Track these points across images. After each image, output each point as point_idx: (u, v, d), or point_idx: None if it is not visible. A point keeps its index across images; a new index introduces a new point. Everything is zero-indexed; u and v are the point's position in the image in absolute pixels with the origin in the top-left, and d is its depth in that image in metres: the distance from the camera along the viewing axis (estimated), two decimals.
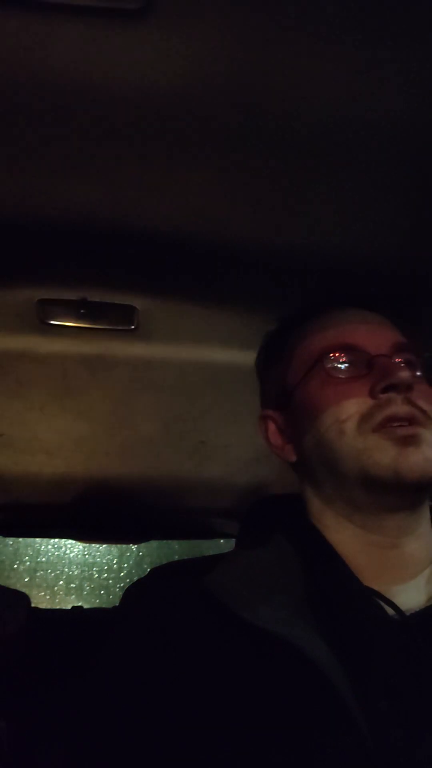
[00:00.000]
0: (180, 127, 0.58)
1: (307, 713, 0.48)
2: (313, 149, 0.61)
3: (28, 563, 2.81)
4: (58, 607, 2.65)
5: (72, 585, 2.80)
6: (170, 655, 0.52)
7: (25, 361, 1.02)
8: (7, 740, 1.21)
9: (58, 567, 2.83)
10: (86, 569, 2.84)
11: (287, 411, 0.64)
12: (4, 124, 0.58)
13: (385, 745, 0.46)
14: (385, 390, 0.56)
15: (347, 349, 0.60)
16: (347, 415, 0.57)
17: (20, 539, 2.72)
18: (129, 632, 0.57)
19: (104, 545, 2.75)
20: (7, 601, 1.53)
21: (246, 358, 0.82)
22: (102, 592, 2.81)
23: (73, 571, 2.83)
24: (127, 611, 0.60)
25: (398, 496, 0.55)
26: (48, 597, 2.76)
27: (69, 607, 1.91)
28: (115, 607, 1.60)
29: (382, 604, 0.54)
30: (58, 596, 2.78)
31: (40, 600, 2.70)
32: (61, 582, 2.80)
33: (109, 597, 2.76)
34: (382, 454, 0.54)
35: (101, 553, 2.86)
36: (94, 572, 2.84)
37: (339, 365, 0.59)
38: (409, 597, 0.55)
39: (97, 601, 2.77)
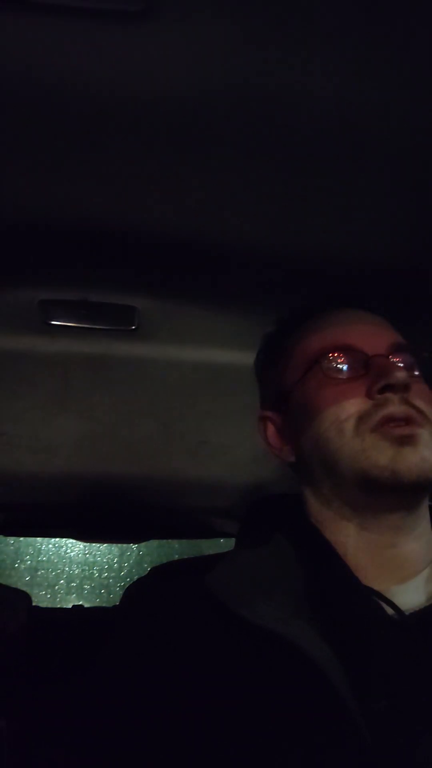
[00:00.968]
0: (180, 128, 0.58)
1: (306, 712, 0.48)
2: (313, 150, 0.61)
3: (28, 562, 2.81)
4: (58, 605, 2.66)
5: (72, 584, 2.81)
6: (170, 654, 0.52)
7: (26, 361, 1.02)
8: (7, 739, 1.21)
9: (59, 566, 2.83)
10: (87, 568, 2.85)
11: (285, 412, 0.64)
12: (5, 125, 0.58)
13: (384, 744, 0.46)
14: (383, 390, 0.56)
15: (344, 349, 0.60)
16: (345, 415, 0.57)
17: (21, 538, 2.72)
18: (129, 631, 0.57)
19: (105, 544, 2.76)
20: (7, 600, 1.54)
21: (246, 358, 0.82)
22: (102, 591, 2.81)
23: (73, 570, 2.83)
24: (127, 610, 0.60)
25: (396, 496, 0.55)
26: (49, 596, 2.77)
27: (70, 605, 1.91)
28: (115, 606, 1.61)
29: (382, 603, 0.54)
30: (59, 595, 2.78)
31: (41, 599, 2.70)
32: (61, 581, 2.81)
33: (109, 596, 2.77)
34: (379, 455, 0.54)
35: (102, 552, 2.86)
36: (95, 571, 2.85)
37: (336, 366, 0.59)
38: (408, 597, 0.55)
39: (98, 600, 2.78)
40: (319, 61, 0.52)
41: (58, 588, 2.79)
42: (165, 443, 1.23)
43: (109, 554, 2.85)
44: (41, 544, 2.82)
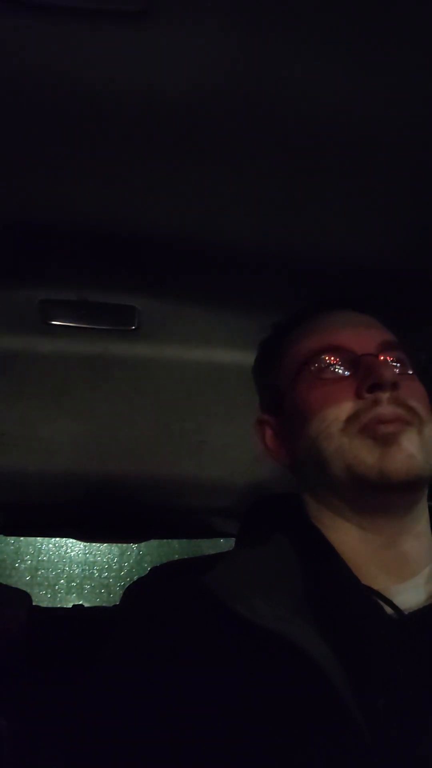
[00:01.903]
0: (180, 128, 0.58)
1: (306, 710, 0.48)
2: (313, 150, 0.61)
3: (29, 562, 2.81)
4: (59, 605, 2.66)
5: (73, 583, 2.81)
6: (170, 653, 0.52)
7: (26, 360, 1.02)
8: (8, 739, 1.21)
9: (59, 566, 2.83)
10: (87, 568, 2.85)
11: (281, 416, 0.64)
12: (5, 124, 0.59)
13: (384, 742, 0.46)
14: (371, 389, 0.56)
15: (333, 350, 0.60)
16: (334, 416, 0.57)
17: (21, 538, 2.72)
18: (129, 631, 0.57)
19: (105, 544, 2.76)
20: (8, 600, 1.54)
21: (246, 358, 0.82)
22: (102, 590, 2.81)
23: (73, 570, 2.83)
24: (127, 610, 0.60)
25: (387, 496, 0.55)
26: (49, 595, 2.77)
27: (70, 605, 1.91)
28: (115, 606, 1.61)
29: (381, 603, 0.54)
30: (59, 595, 2.78)
31: (41, 598, 2.70)
32: (62, 581, 2.81)
33: (109, 595, 2.77)
34: (366, 454, 0.54)
35: (102, 552, 2.86)
36: (95, 571, 2.85)
37: (325, 367, 0.60)
38: (408, 596, 0.55)
39: (98, 599, 2.78)
40: (319, 60, 0.52)
41: (59, 588, 2.79)
42: (165, 443, 1.23)
43: (109, 554, 2.85)
44: (41, 544, 2.82)
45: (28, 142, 0.61)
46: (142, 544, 2.51)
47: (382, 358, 0.59)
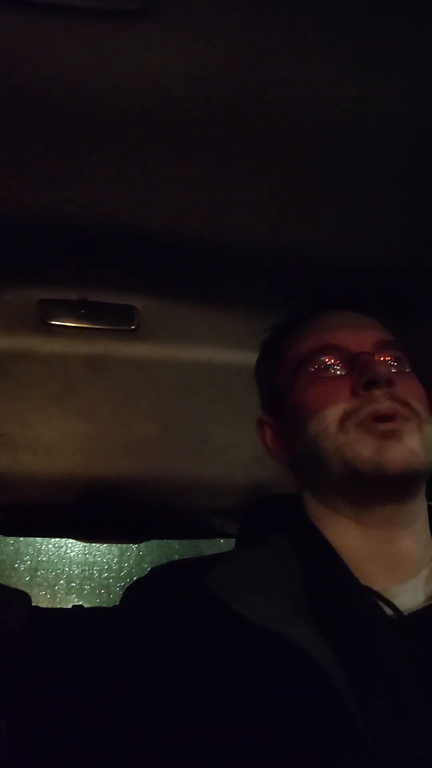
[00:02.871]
0: (180, 128, 0.58)
1: (306, 710, 0.48)
2: (312, 150, 0.61)
3: (28, 562, 2.81)
4: (58, 606, 2.66)
5: (72, 584, 2.81)
6: (171, 653, 0.52)
7: (26, 361, 1.02)
8: (8, 739, 1.21)
9: (59, 566, 2.83)
10: (87, 568, 2.85)
11: (280, 415, 0.65)
12: (4, 124, 0.58)
13: (384, 742, 0.46)
14: (367, 387, 0.57)
15: (330, 349, 0.61)
16: (332, 415, 0.57)
17: (21, 538, 2.72)
18: (129, 631, 0.57)
19: (105, 545, 2.76)
20: (7, 600, 1.54)
21: (246, 358, 0.82)
22: (102, 591, 2.81)
23: (73, 571, 2.83)
24: (127, 610, 0.60)
25: (384, 488, 0.55)
26: (48, 596, 2.77)
27: (69, 606, 1.91)
28: (115, 606, 1.60)
29: (381, 604, 0.54)
30: (59, 595, 2.78)
31: (41, 599, 2.70)
32: (61, 581, 2.80)
33: (109, 596, 2.76)
34: (362, 447, 0.55)
35: (102, 552, 2.86)
36: (95, 571, 2.85)
37: (322, 366, 0.60)
38: (407, 597, 0.55)
39: (98, 600, 2.78)
40: (319, 60, 0.52)
41: (58, 588, 2.79)
42: (165, 443, 1.23)
43: (109, 554, 2.85)
44: (41, 545, 2.81)
45: (28, 141, 0.61)
46: (142, 544, 2.51)
47: (377, 356, 0.60)
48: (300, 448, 0.61)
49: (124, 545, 2.71)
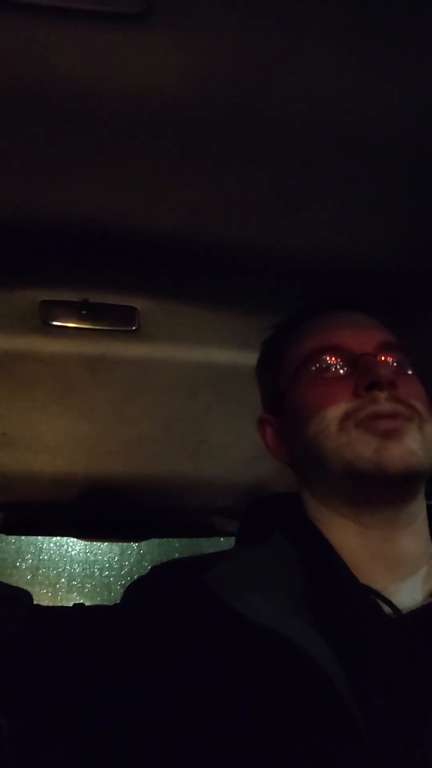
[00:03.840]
0: (180, 129, 0.58)
1: (305, 708, 0.48)
2: (312, 150, 0.61)
3: (30, 561, 2.81)
4: (60, 604, 2.66)
5: (74, 583, 2.81)
6: (171, 651, 0.52)
7: (27, 361, 1.02)
8: (9, 737, 1.21)
9: (60, 565, 2.83)
10: (88, 567, 2.85)
11: (282, 414, 0.65)
12: (6, 126, 0.59)
13: (383, 740, 0.47)
14: (369, 388, 0.57)
15: (332, 349, 0.61)
16: (333, 415, 0.57)
17: (22, 537, 2.72)
18: (130, 629, 0.57)
19: (105, 543, 2.76)
20: (9, 599, 1.54)
21: (246, 358, 0.82)
22: (103, 589, 2.81)
23: (74, 569, 2.83)
24: (128, 608, 0.60)
25: (384, 488, 0.55)
26: (50, 594, 2.77)
27: (71, 604, 1.91)
28: (116, 605, 1.60)
29: (380, 602, 0.54)
30: (60, 594, 2.78)
31: (42, 597, 2.70)
32: (62, 580, 2.81)
33: (110, 594, 2.77)
34: (363, 447, 0.55)
35: (102, 551, 2.86)
36: (96, 570, 2.85)
37: (324, 366, 0.60)
38: (406, 595, 0.56)
39: (99, 598, 2.78)
40: (319, 61, 0.52)
41: (59, 586, 2.79)
42: (165, 443, 1.23)
43: (109, 553, 2.85)
44: (42, 543, 2.82)
45: (28, 141, 0.61)
46: (143, 543, 2.51)
47: (380, 357, 0.60)
48: (301, 447, 0.61)
49: (125, 544, 2.71)
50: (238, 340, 0.96)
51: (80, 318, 0.92)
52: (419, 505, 0.59)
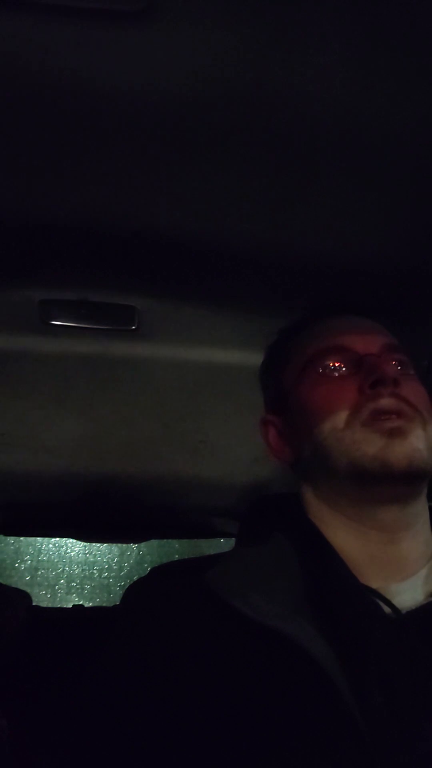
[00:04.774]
0: (181, 128, 0.58)
1: (305, 707, 0.48)
2: (313, 150, 0.61)
3: (29, 562, 2.81)
4: (59, 605, 2.66)
5: (73, 584, 2.81)
6: (171, 652, 0.53)
7: (26, 361, 1.02)
8: (8, 739, 1.21)
9: (59, 566, 2.83)
10: (87, 568, 2.85)
11: (285, 414, 0.65)
12: (5, 125, 0.59)
13: (382, 739, 0.47)
14: (373, 386, 0.58)
15: (338, 350, 0.62)
16: (337, 411, 0.58)
17: (21, 538, 2.72)
18: (130, 630, 0.57)
19: (105, 544, 2.76)
20: (8, 600, 1.54)
21: (246, 358, 0.82)
22: (102, 591, 2.81)
23: (73, 570, 2.83)
24: (128, 609, 0.61)
25: (388, 487, 0.56)
26: (49, 595, 2.77)
27: (70, 605, 1.91)
28: (116, 606, 1.60)
29: (379, 602, 0.54)
30: (59, 595, 2.78)
31: (41, 598, 2.70)
32: (62, 581, 2.81)
33: (109, 596, 2.77)
34: (369, 446, 0.55)
35: (102, 552, 2.86)
36: (95, 571, 2.85)
37: (329, 365, 0.61)
38: (406, 595, 0.56)
39: (98, 599, 2.78)
40: (319, 60, 0.52)
41: (59, 588, 2.79)
42: (165, 443, 1.23)
43: (109, 554, 2.85)
44: (41, 544, 2.82)
45: (28, 141, 0.61)
46: (142, 544, 2.51)
47: (384, 358, 0.61)
48: (305, 447, 0.61)
49: (124, 545, 2.72)
50: (238, 340, 0.96)
51: (79, 317, 0.92)
52: (422, 507, 0.59)
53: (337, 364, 0.61)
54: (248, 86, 0.54)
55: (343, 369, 0.61)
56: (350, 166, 0.63)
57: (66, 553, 2.85)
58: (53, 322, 0.93)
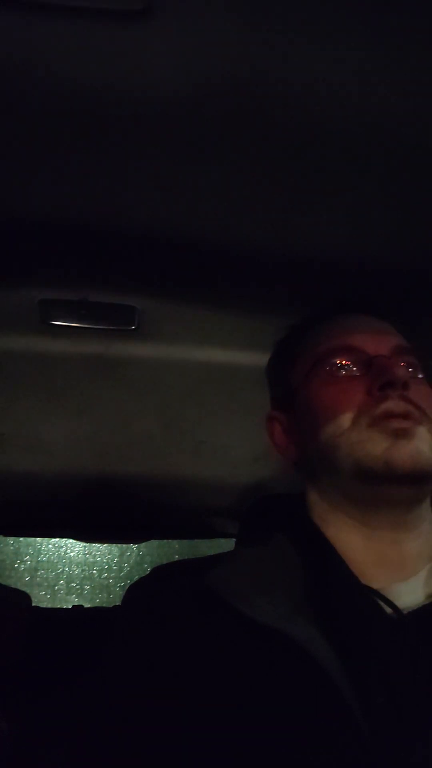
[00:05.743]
0: (181, 128, 0.58)
1: (307, 707, 0.48)
2: (314, 150, 0.61)
3: (28, 562, 2.81)
4: (58, 606, 2.66)
5: (72, 584, 2.81)
6: (173, 652, 0.53)
7: (26, 361, 1.02)
8: (8, 739, 1.21)
9: (59, 566, 2.83)
10: (87, 568, 2.85)
11: (291, 411, 0.65)
12: (5, 124, 0.58)
13: (383, 739, 0.47)
14: (382, 388, 0.57)
15: (347, 350, 0.61)
16: (345, 411, 0.58)
17: (21, 538, 2.72)
18: (131, 631, 0.57)
19: (105, 545, 2.76)
20: (8, 600, 1.54)
21: (246, 358, 0.82)
22: (102, 591, 2.81)
23: (73, 571, 2.83)
24: (129, 609, 0.61)
25: (392, 488, 0.56)
26: (49, 596, 2.77)
27: (70, 606, 1.91)
28: (116, 606, 1.60)
29: (380, 602, 0.54)
30: (59, 595, 2.78)
31: (41, 599, 2.70)
32: (61, 581, 2.80)
33: (109, 596, 2.77)
34: (374, 446, 0.55)
35: (102, 552, 2.86)
36: (95, 571, 2.85)
37: (339, 365, 0.61)
38: (407, 595, 0.56)
39: (98, 600, 2.78)
40: (320, 61, 0.52)
41: (58, 588, 2.79)
42: (165, 443, 1.23)
43: (109, 554, 2.85)
44: (41, 545, 2.81)
45: (28, 141, 0.61)
46: (142, 544, 2.51)
47: (394, 359, 0.60)
48: (311, 446, 0.61)
49: (124, 545, 2.72)
50: (238, 340, 0.96)
51: (79, 317, 0.92)
52: (425, 509, 0.59)
53: (346, 364, 0.61)
54: (249, 85, 0.54)
55: (353, 369, 0.60)
56: (351, 165, 0.63)
57: (66, 553, 2.85)
58: (53, 322, 0.93)
